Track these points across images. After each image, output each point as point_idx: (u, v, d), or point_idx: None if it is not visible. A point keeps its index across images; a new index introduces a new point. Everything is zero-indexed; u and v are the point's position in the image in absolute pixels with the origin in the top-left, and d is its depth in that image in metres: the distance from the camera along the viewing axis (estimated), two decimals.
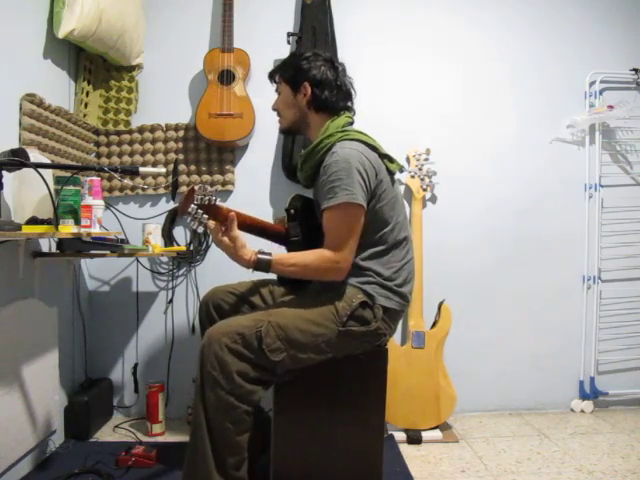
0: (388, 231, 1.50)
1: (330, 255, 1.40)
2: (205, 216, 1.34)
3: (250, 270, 1.40)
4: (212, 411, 1.32)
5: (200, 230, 1.35)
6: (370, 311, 1.46)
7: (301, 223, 1.57)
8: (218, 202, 1.39)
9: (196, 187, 1.34)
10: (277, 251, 1.46)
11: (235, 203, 2.26)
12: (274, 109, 1.68)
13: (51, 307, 1.86)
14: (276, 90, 1.66)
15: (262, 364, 1.36)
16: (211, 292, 1.72)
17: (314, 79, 1.56)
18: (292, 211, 1.58)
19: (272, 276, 1.68)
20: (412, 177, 2.33)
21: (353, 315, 1.43)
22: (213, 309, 1.66)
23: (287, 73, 1.60)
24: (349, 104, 1.64)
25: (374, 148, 1.51)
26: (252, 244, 1.49)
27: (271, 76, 1.67)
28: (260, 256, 1.39)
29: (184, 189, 2.29)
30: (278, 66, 1.66)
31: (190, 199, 1.33)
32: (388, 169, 1.54)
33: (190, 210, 1.32)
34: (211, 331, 1.38)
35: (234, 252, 1.37)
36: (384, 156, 1.54)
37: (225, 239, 1.36)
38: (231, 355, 1.33)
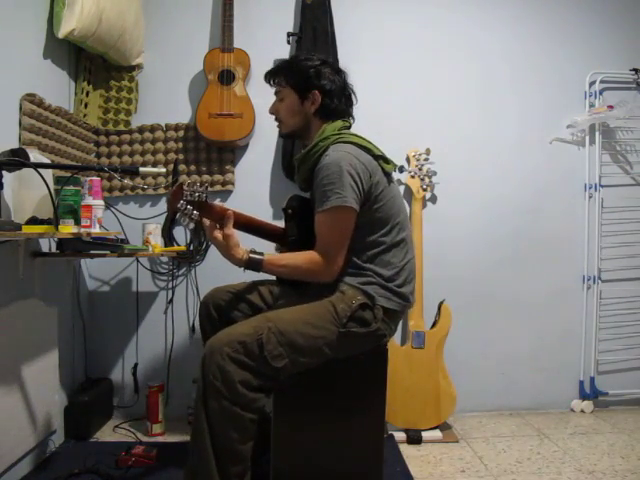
0: (387, 231, 1.50)
1: (320, 259, 1.42)
2: (195, 212, 1.35)
3: (242, 269, 1.43)
4: (215, 421, 1.30)
5: (190, 227, 1.36)
6: (370, 312, 1.46)
7: (298, 223, 1.57)
8: (217, 202, 1.40)
9: (185, 185, 1.35)
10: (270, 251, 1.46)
11: (235, 203, 2.26)
12: (272, 113, 1.64)
13: (51, 307, 1.86)
14: (276, 93, 1.62)
15: (264, 371, 1.35)
16: (211, 292, 1.72)
17: (324, 88, 1.55)
18: (289, 211, 1.59)
19: (272, 276, 1.68)
20: (412, 177, 2.32)
21: (353, 316, 1.43)
22: (213, 309, 1.66)
23: (294, 79, 1.56)
24: (350, 110, 1.64)
25: (368, 150, 1.51)
26: (252, 243, 1.49)
27: (272, 77, 1.62)
28: (252, 255, 1.41)
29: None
30: (280, 69, 1.60)
31: (178, 195, 1.34)
32: (384, 170, 1.54)
33: (179, 206, 1.34)
34: (212, 341, 1.36)
35: (226, 250, 1.40)
36: (379, 157, 1.53)
37: (219, 236, 1.40)
38: (233, 364, 1.32)
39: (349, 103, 1.63)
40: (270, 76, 1.63)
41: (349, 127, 1.62)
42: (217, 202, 1.42)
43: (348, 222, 1.44)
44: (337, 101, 1.57)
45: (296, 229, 1.56)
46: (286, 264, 1.45)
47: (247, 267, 1.43)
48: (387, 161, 1.56)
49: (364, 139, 1.54)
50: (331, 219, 1.42)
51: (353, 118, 1.67)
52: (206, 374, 1.32)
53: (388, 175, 1.56)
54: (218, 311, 1.66)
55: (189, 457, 1.35)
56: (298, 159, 1.61)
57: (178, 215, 1.37)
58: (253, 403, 1.34)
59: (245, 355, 1.33)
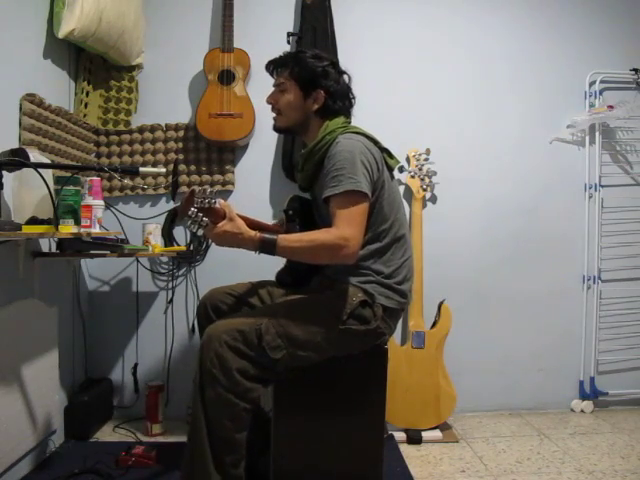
0: (387, 227, 1.50)
1: (338, 232, 1.34)
2: (205, 219, 1.33)
3: (256, 252, 1.35)
4: (211, 408, 1.32)
5: (200, 233, 1.35)
6: (370, 310, 1.46)
7: (299, 224, 1.57)
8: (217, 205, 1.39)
9: (196, 189, 1.33)
10: None
11: (235, 203, 2.24)
12: (270, 103, 1.60)
13: (51, 307, 1.86)
14: (278, 84, 1.59)
15: (262, 362, 1.36)
16: (209, 293, 1.71)
17: (329, 89, 1.54)
18: (290, 212, 1.59)
19: (272, 277, 1.68)
20: (412, 177, 2.32)
21: (353, 314, 1.43)
22: (211, 310, 1.66)
23: (300, 75, 1.54)
24: (350, 111, 1.64)
25: (375, 142, 1.52)
26: None
27: (276, 68, 1.60)
28: (265, 235, 1.34)
29: (184, 189, 2.29)
30: (287, 61, 1.58)
31: (190, 202, 1.33)
32: (387, 164, 1.54)
33: (190, 213, 1.32)
34: (211, 329, 1.38)
35: (240, 234, 1.33)
36: (384, 150, 1.55)
37: (227, 226, 1.33)
38: (231, 352, 1.32)
39: (350, 105, 1.63)
40: (274, 66, 1.60)
41: (349, 124, 1.62)
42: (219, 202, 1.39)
43: (363, 206, 1.38)
44: (340, 102, 1.56)
45: (298, 229, 1.56)
46: (301, 238, 1.37)
47: (261, 247, 1.34)
48: (391, 156, 1.57)
49: (368, 133, 1.54)
50: (345, 202, 1.37)
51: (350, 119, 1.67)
52: (204, 361, 1.33)
53: (390, 170, 1.57)
54: (216, 312, 1.65)
55: (186, 446, 1.36)
56: (303, 155, 1.59)
57: (189, 222, 1.35)
58: (249, 392, 1.34)
59: (243, 344, 1.34)
